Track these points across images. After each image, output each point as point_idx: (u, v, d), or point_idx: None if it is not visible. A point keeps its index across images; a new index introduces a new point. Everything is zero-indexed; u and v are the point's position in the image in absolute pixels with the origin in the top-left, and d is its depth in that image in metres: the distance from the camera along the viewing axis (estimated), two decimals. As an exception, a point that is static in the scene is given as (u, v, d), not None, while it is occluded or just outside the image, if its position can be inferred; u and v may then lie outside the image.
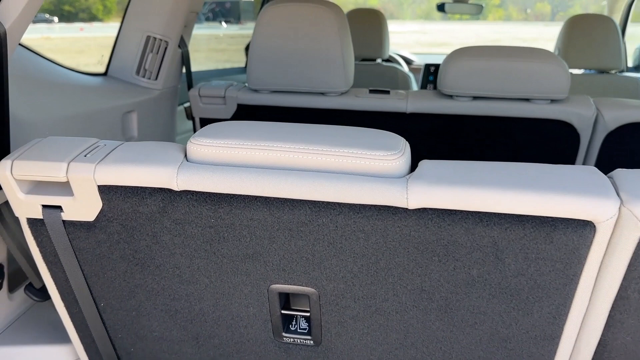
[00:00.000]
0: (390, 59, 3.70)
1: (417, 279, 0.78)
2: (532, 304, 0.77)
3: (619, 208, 0.69)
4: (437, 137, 1.65)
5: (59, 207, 0.82)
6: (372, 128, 1.69)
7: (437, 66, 3.79)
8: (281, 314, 0.89)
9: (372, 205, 0.74)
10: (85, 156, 0.80)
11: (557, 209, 0.69)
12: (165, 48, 1.68)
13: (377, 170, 0.75)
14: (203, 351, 0.97)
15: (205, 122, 1.77)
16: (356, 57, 2.92)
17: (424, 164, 0.78)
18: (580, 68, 2.61)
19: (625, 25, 3.29)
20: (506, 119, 1.59)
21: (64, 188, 0.82)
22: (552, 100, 1.56)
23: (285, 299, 0.91)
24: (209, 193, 0.78)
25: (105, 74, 1.67)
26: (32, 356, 1.07)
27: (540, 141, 1.60)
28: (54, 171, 0.79)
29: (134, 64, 1.65)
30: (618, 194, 0.70)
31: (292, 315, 0.92)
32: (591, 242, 0.71)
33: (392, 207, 0.73)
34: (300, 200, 0.76)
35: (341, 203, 0.75)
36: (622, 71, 2.64)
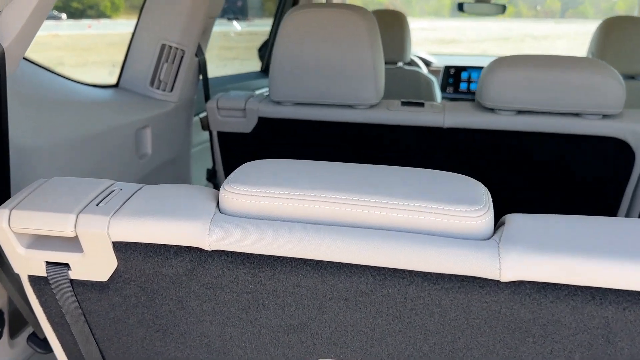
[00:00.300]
0: (410, 62, 3.56)
1: None
2: None
3: None
4: (478, 155, 1.50)
5: (66, 265, 0.69)
6: (407, 144, 1.55)
7: (457, 68, 3.65)
8: None
9: (452, 275, 0.60)
10: (97, 205, 0.67)
11: None
12: (182, 57, 1.55)
13: (458, 230, 0.60)
14: None
15: (223, 136, 1.64)
16: None
17: (513, 221, 0.63)
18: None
19: None
20: (553, 135, 1.44)
21: (72, 243, 0.69)
22: (605, 116, 1.42)
23: None
24: (248, 254, 0.64)
25: (116, 85, 1.53)
26: None
27: (591, 160, 1.45)
28: (60, 224, 0.65)
29: (147, 75, 1.52)
30: None
31: None
32: None
33: (479, 278, 0.59)
34: (361, 266, 0.62)
35: (413, 271, 0.61)
36: None
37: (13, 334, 1.00)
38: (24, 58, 1.15)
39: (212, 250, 0.65)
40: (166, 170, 1.61)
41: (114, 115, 1.31)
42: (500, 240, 0.60)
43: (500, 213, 1.59)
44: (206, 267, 0.65)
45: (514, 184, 1.52)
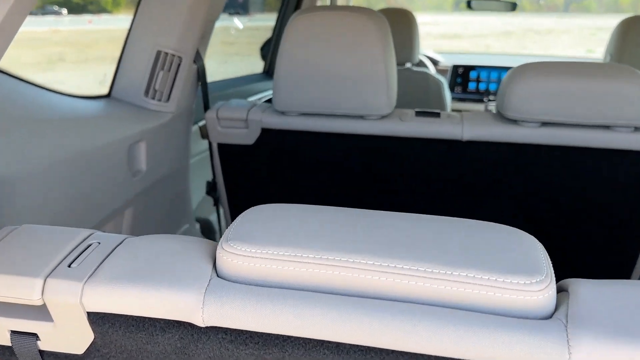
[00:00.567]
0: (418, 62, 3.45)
1: None
2: None
3: None
4: (499, 170, 1.39)
5: (34, 335, 0.58)
6: (422, 158, 1.44)
7: (465, 67, 3.53)
8: None
9: None
10: (69, 266, 0.55)
11: None
12: (179, 64, 1.44)
13: (513, 307, 0.49)
14: None
15: (224, 148, 1.53)
16: None
17: (578, 291, 0.51)
18: None
19: None
20: (581, 149, 1.33)
21: (41, 310, 0.58)
22: (637, 128, 1.31)
23: None
24: (251, 332, 0.52)
25: (108, 95, 1.42)
26: None
27: (620, 177, 1.34)
28: (25, 291, 0.54)
29: (142, 84, 1.40)
30: None
31: None
32: None
33: None
34: (392, 352, 0.50)
35: (457, 359, 0.49)
36: None
37: None
38: None
39: (207, 327, 0.54)
40: (163, 186, 1.50)
41: (103, 131, 1.20)
42: (567, 321, 0.48)
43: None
44: (200, 346, 0.54)
45: (538, 203, 1.41)
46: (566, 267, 1.50)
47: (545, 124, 1.34)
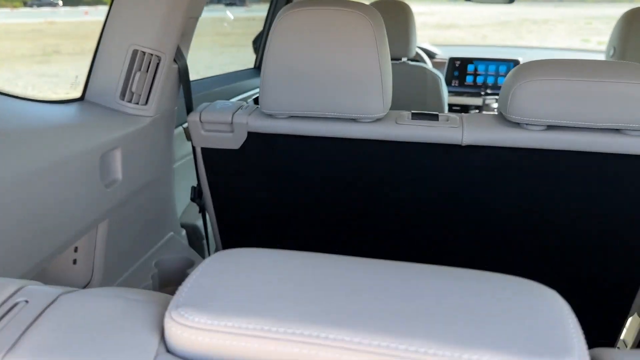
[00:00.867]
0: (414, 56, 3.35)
1: None
2: None
3: None
4: (501, 176, 1.30)
5: None
6: (419, 163, 1.35)
7: (462, 60, 3.44)
8: None
9: None
10: None
11: None
12: (157, 64, 1.33)
13: None
14: None
15: (208, 152, 1.43)
16: None
17: None
18: None
19: None
20: (590, 155, 1.24)
21: None
22: None
23: None
24: None
25: (81, 98, 1.32)
26: None
27: (632, 184, 1.25)
28: None
29: (117, 86, 1.30)
30: None
31: None
32: None
33: None
34: None
35: None
36: None
37: None
38: None
39: None
40: (143, 195, 1.40)
41: (73, 139, 1.10)
42: None
43: (530, 253, 1.39)
44: None
45: (542, 211, 1.32)
46: (573, 280, 1.42)
47: (551, 127, 1.25)
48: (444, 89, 2.62)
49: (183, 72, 1.45)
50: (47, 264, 1.07)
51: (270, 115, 1.35)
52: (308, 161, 1.38)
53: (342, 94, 1.25)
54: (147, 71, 1.32)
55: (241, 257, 0.49)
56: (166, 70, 1.35)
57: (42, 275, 1.20)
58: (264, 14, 2.73)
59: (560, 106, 1.20)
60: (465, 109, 3.29)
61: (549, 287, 0.44)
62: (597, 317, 1.47)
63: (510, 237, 1.39)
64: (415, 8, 2.80)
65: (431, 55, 3.70)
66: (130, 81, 1.30)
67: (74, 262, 1.23)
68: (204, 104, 1.43)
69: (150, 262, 1.46)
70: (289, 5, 1.27)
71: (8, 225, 0.91)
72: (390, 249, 1.49)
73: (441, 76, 2.61)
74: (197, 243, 1.82)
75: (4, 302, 0.49)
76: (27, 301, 0.49)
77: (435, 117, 1.32)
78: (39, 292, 0.50)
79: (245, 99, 2.39)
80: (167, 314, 0.44)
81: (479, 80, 3.42)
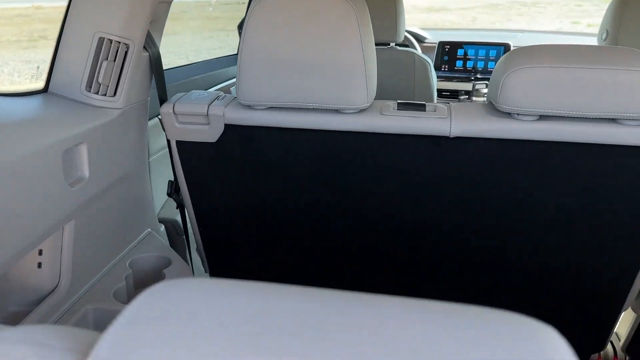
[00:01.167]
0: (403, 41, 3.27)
1: None
2: None
3: None
4: (490, 169, 1.24)
5: None
6: (404, 156, 1.28)
7: (451, 44, 3.36)
8: None
9: None
10: None
11: None
12: (126, 52, 1.25)
13: None
14: None
15: (183, 146, 1.35)
16: None
17: None
18: None
19: None
20: (584, 146, 1.18)
21: None
22: None
23: None
24: None
25: (45, 90, 1.23)
26: None
27: (628, 176, 1.19)
28: None
29: (83, 77, 1.22)
30: None
31: None
32: None
33: None
34: None
35: None
36: None
37: None
38: None
39: None
40: (115, 192, 1.32)
41: (33, 134, 1.02)
42: None
43: (523, 249, 1.34)
44: None
45: (534, 205, 1.26)
46: (566, 274, 1.36)
47: (543, 117, 1.18)
48: (433, 75, 2.54)
49: (155, 61, 1.36)
50: (8, 268, 1.00)
51: (249, 107, 1.27)
52: (288, 154, 1.31)
53: (324, 83, 1.18)
54: (115, 60, 1.23)
55: (175, 296, 0.40)
56: (135, 58, 1.27)
57: (5, 280, 1.13)
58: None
59: (553, 95, 1.13)
60: (454, 94, 3.22)
61: (549, 325, 0.38)
62: (590, 311, 1.42)
63: (501, 232, 1.33)
64: (404, -9, 2.71)
65: (420, 39, 3.62)
66: (97, 71, 1.22)
67: (39, 265, 1.16)
68: (178, 95, 1.35)
69: (124, 262, 1.39)
70: None
71: None
72: (375, 244, 1.43)
73: (430, 62, 2.53)
74: (178, 239, 1.75)
75: None
76: None
77: (422, 107, 1.25)
78: None
79: (227, 88, 2.30)
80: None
81: (469, 64, 3.36)
